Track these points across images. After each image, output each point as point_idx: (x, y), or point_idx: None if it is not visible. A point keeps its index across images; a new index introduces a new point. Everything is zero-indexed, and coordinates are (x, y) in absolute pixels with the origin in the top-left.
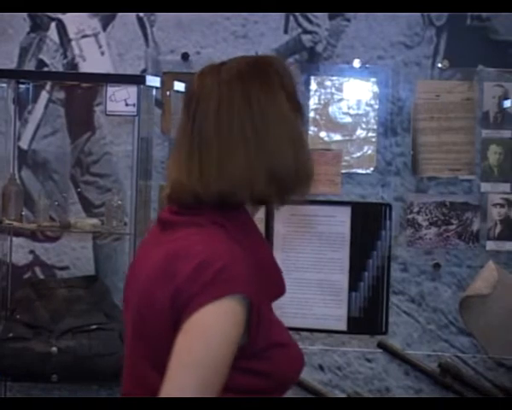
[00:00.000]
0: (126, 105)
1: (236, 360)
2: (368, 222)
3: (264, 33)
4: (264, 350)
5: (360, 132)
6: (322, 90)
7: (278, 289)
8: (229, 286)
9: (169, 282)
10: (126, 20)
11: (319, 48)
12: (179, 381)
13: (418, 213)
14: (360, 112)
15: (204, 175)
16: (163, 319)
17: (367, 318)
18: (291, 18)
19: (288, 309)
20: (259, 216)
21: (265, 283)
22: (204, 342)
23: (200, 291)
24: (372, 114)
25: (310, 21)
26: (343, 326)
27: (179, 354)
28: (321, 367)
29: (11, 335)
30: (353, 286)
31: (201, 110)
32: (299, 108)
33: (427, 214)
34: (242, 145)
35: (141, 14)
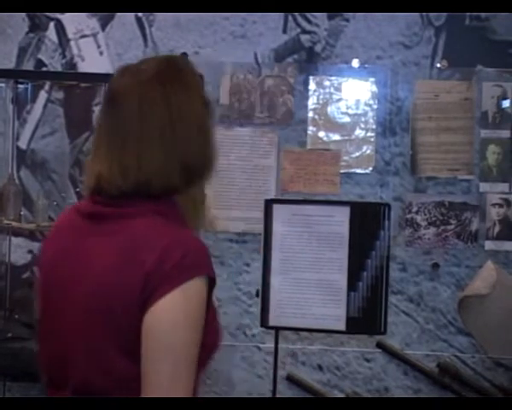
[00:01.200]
0: None
1: None
2: (366, 222)
3: (262, 33)
4: (209, 324)
5: (359, 132)
6: (321, 90)
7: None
8: (196, 269)
9: (137, 269)
10: (125, 20)
11: (318, 48)
12: (158, 366)
13: (417, 213)
14: (359, 112)
15: (124, 167)
16: (134, 306)
17: (366, 318)
18: (290, 18)
19: (287, 309)
20: (258, 216)
21: None
22: (176, 324)
23: (169, 275)
24: (371, 113)
25: (309, 21)
26: (342, 326)
27: (153, 339)
28: (320, 367)
29: (10, 335)
30: (352, 286)
31: (121, 108)
32: (208, 103)
33: (425, 214)
34: (160, 141)
35: (139, 15)
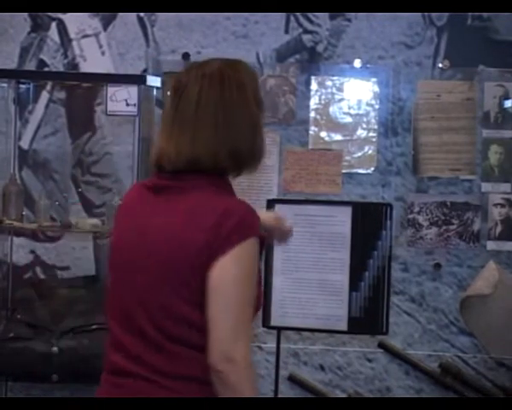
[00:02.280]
0: (127, 105)
1: None
2: (368, 222)
3: (264, 33)
4: (258, 283)
5: (361, 132)
6: (323, 90)
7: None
8: (250, 230)
9: (198, 232)
10: (127, 20)
11: (320, 48)
12: (222, 316)
13: (419, 213)
14: (361, 112)
15: (179, 146)
16: (198, 263)
17: (367, 318)
18: (292, 18)
19: (289, 309)
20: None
21: None
22: (238, 279)
23: (229, 236)
24: (373, 114)
25: (310, 21)
26: (343, 326)
27: (217, 293)
28: (322, 367)
29: (12, 335)
30: (354, 286)
31: (185, 95)
32: (260, 105)
33: (427, 214)
34: (213, 126)
35: (141, 14)
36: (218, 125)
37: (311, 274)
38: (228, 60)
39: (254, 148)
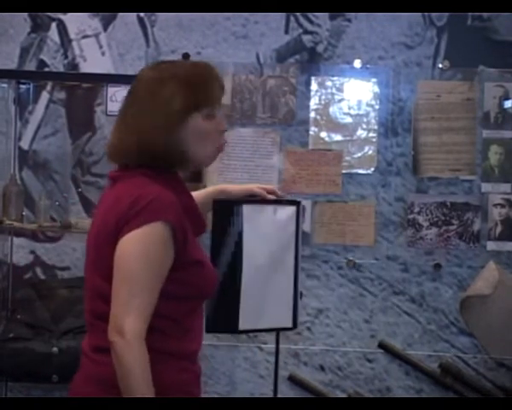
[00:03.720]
0: None
1: (170, 272)
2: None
3: (264, 33)
4: (189, 264)
5: (361, 133)
6: (323, 91)
7: (200, 227)
8: (154, 214)
9: (115, 212)
10: (127, 21)
11: (320, 48)
12: (118, 291)
13: (419, 213)
14: (361, 112)
15: (110, 138)
16: (110, 238)
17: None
18: (292, 18)
19: (249, 311)
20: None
21: (191, 221)
22: (132, 257)
23: (133, 217)
24: (373, 114)
25: (310, 22)
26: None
27: (116, 268)
28: (322, 367)
29: (12, 335)
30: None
31: (128, 95)
32: (195, 107)
33: (427, 215)
34: (124, 125)
35: (141, 15)
36: (128, 125)
37: (266, 275)
38: (190, 62)
39: (166, 146)
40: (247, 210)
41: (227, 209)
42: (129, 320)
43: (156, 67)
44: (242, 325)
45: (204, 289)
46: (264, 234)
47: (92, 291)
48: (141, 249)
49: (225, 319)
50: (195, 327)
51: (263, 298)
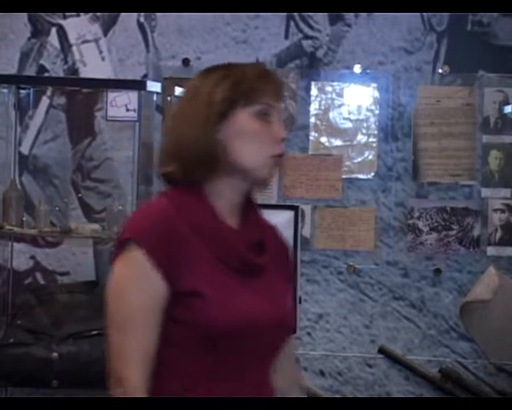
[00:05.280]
0: (127, 110)
1: (167, 308)
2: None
3: (264, 39)
4: (183, 297)
5: (361, 138)
6: (323, 96)
7: (239, 258)
8: (127, 236)
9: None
10: (127, 26)
11: (320, 53)
12: (109, 337)
13: (419, 218)
14: (361, 117)
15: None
16: None
17: None
18: (291, 23)
19: None
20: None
21: (211, 247)
22: (112, 298)
23: (115, 246)
24: (373, 119)
25: (310, 27)
26: None
27: (107, 313)
28: (322, 373)
29: (12, 340)
30: None
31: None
32: (212, 104)
33: (427, 220)
34: (167, 131)
35: (141, 20)
36: (168, 130)
37: None
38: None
39: (207, 143)
40: None
41: None
42: (126, 373)
43: (204, 71)
44: None
45: (204, 326)
46: None
47: None
48: (116, 282)
49: None
50: (221, 376)
51: None
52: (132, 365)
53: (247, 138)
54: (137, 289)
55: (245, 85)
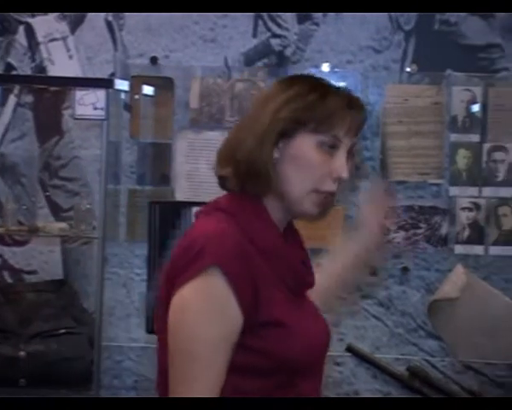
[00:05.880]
0: (95, 109)
1: (239, 338)
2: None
3: (232, 37)
4: (262, 327)
5: None
6: None
7: (296, 276)
8: (204, 261)
9: (170, 262)
10: (95, 24)
11: (288, 52)
12: (175, 372)
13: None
14: None
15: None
16: (163, 297)
17: None
18: (260, 22)
19: None
20: None
21: (274, 267)
22: (183, 322)
23: (183, 268)
24: None
25: (279, 25)
26: None
27: (170, 339)
28: None
29: None
30: None
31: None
32: (277, 112)
33: (395, 218)
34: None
35: (109, 18)
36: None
37: None
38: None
39: (255, 156)
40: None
41: (172, 212)
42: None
43: (287, 78)
44: None
45: (287, 360)
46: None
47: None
48: (194, 311)
49: None
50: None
51: None
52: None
53: (300, 165)
54: (216, 320)
55: (320, 112)
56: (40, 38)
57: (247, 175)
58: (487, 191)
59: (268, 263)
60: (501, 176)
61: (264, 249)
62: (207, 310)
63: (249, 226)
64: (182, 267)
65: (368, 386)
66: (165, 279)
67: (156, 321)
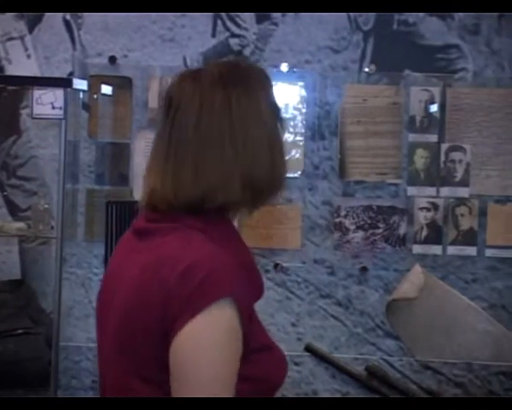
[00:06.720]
0: (53, 108)
1: None
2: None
3: (191, 37)
4: (252, 353)
5: (288, 136)
6: None
7: (259, 290)
8: (217, 291)
9: (158, 290)
10: (53, 23)
11: (247, 51)
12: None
13: (345, 216)
14: (288, 116)
15: (178, 180)
16: (156, 333)
17: None
18: (219, 22)
19: None
20: None
21: (249, 284)
22: (199, 357)
23: (190, 300)
24: (300, 117)
25: (237, 25)
26: None
27: (180, 373)
28: None
29: None
30: None
31: (181, 115)
32: (278, 114)
33: (354, 218)
34: (220, 150)
35: (68, 17)
36: (225, 149)
37: None
38: (231, 62)
39: (274, 171)
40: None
41: (129, 211)
42: None
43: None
44: None
45: (273, 381)
46: None
47: (120, 393)
48: (206, 346)
49: None
50: None
51: None
52: None
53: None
54: (237, 347)
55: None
56: None
57: (268, 194)
58: (445, 191)
59: (248, 278)
60: (459, 176)
61: (244, 264)
62: (223, 344)
63: (233, 249)
64: (186, 297)
65: (326, 386)
66: (153, 303)
67: (118, 337)
